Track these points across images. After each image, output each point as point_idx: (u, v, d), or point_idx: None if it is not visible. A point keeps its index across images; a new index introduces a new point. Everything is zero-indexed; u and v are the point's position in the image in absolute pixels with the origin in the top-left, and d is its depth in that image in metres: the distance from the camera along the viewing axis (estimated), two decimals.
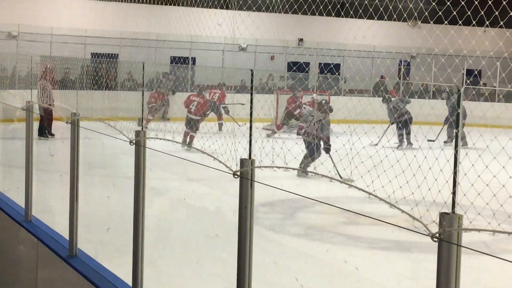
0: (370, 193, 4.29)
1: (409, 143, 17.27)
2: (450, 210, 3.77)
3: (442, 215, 3.74)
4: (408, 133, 17.65)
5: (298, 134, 15.71)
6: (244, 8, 20.57)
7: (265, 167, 4.90)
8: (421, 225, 3.97)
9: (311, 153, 11.53)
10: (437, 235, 3.70)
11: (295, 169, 4.72)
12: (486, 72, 24.28)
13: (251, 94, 5.22)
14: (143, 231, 5.87)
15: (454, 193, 3.75)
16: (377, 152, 4.96)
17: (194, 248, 8.24)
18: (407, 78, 28.12)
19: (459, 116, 3.94)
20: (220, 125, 18.89)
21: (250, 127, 5.08)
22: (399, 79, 27.80)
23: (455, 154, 3.74)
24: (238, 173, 4.78)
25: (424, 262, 7.67)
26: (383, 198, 4.20)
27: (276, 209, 10.29)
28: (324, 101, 13.90)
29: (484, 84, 27.48)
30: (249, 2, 14.38)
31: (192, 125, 15.48)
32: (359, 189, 4.31)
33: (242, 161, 4.80)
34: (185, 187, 11.60)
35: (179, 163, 6.96)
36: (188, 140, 14.72)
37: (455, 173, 3.75)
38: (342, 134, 19.37)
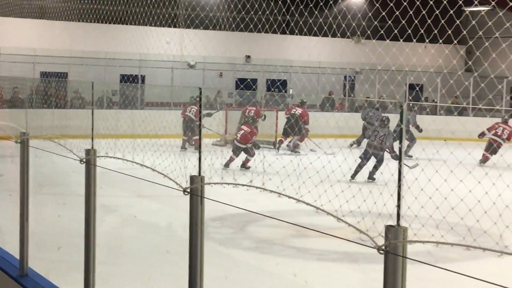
0: (318, 208, 4.31)
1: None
2: (395, 223, 3.81)
3: (388, 228, 3.77)
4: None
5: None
6: (192, 27, 20.55)
7: (215, 183, 4.88)
8: (368, 237, 4.00)
9: (380, 163, 14.03)
10: (383, 247, 3.73)
11: (244, 185, 4.70)
12: (428, 87, 24.70)
13: (200, 112, 5.21)
14: (95, 248, 5.79)
15: (398, 206, 3.79)
16: (323, 168, 5.02)
17: (146, 264, 8.16)
18: (352, 94, 28.47)
19: (402, 131, 3.99)
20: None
21: (200, 144, 5.07)
22: (344, 94, 28.10)
23: (399, 168, 3.79)
24: (188, 190, 4.75)
25: (372, 272, 7.72)
26: (330, 212, 4.22)
27: (226, 223, 10.26)
28: (385, 118, 15.40)
29: (426, 99, 27.97)
30: (196, 21, 14.41)
31: (237, 152, 16.02)
32: (307, 203, 4.32)
33: (192, 178, 4.78)
34: (136, 204, 11.49)
35: (130, 181, 6.90)
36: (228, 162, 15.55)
37: (399, 186, 3.79)
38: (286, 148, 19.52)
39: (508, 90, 24.30)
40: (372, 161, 14.57)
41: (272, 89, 24.88)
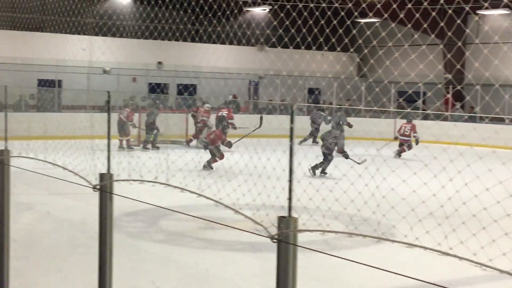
0: (217, 201, 4.34)
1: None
2: (287, 214, 3.88)
3: (280, 219, 3.84)
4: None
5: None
6: (100, 34, 20.28)
7: (123, 180, 4.85)
8: (262, 228, 4.06)
9: (329, 160, 14.23)
10: (276, 236, 3.80)
11: (150, 181, 4.70)
12: (326, 91, 25.21)
13: (108, 114, 5.16)
14: (9, 244, 5.67)
15: (290, 198, 3.86)
16: (222, 164, 5.07)
17: (59, 258, 8.00)
18: (256, 97, 28.75)
19: (292, 130, 4.07)
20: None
21: (108, 143, 5.03)
22: (249, 97, 28.32)
23: (290, 164, 3.87)
24: (98, 187, 4.71)
25: (273, 260, 7.80)
26: (229, 205, 4.26)
27: (139, 218, 10.16)
28: (340, 122, 16.35)
29: (324, 101, 28.51)
30: (104, 29, 14.26)
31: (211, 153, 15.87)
32: (207, 198, 4.35)
33: (101, 175, 4.74)
34: (50, 201, 11.23)
35: (44, 179, 6.77)
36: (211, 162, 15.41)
37: (290, 180, 3.86)
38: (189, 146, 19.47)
39: (397, 94, 25.10)
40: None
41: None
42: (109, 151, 4.89)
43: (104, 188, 4.68)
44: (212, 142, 15.78)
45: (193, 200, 6.14)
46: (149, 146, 19.61)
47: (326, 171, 14.71)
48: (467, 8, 4.70)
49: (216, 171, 4.65)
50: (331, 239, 8.60)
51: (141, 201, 5.15)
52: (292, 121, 3.98)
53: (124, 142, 19.44)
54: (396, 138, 20.05)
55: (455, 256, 3.43)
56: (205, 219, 7.36)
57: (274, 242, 3.80)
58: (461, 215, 4.15)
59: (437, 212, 4.42)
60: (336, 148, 15.00)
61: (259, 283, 7.07)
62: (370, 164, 4.66)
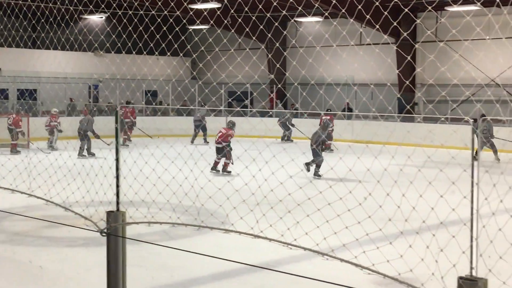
0: (47, 200, 4.21)
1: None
2: (115, 208, 3.84)
3: (108, 213, 3.80)
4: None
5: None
6: None
7: None
8: (92, 223, 3.99)
9: (319, 157, 14.24)
10: (105, 230, 3.75)
11: None
12: (161, 92, 25.12)
13: None
14: None
15: (117, 194, 3.83)
16: (51, 165, 4.90)
17: None
18: (92, 100, 28.17)
19: (117, 130, 4.03)
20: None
21: None
22: (89, 100, 27.65)
23: (116, 162, 3.82)
24: None
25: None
26: (59, 203, 4.14)
27: None
28: (325, 120, 16.11)
29: (160, 102, 28.38)
30: None
31: (218, 153, 14.71)
32: (38, 197, 4.20)
33: None
34: None
35: None
36: (214, 165, 14.60)
37: (117, 177, 3.83)
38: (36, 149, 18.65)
39: (227, 94, 25.58)
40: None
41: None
42: None
43: None
44: (224, 140, 14.71)
45: (34, 200, 5.90)
46: (85, 153, 18.23)
47: (319, 173, 14.19)
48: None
49: (45, 172, 4.49)
50: (169, 229, 8.54)
51: None
52: (116, 122, 3.95)
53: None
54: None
55: (265, 238, 3.56)
56: (38, 219, 7.06)
57: (103, 235, 3.75)
58: (270, 201, 4.30)
59: (249, 200, 4.54)
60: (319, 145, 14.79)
61: (90, 274, 6.87)
62: (189, 159, 4.69)
